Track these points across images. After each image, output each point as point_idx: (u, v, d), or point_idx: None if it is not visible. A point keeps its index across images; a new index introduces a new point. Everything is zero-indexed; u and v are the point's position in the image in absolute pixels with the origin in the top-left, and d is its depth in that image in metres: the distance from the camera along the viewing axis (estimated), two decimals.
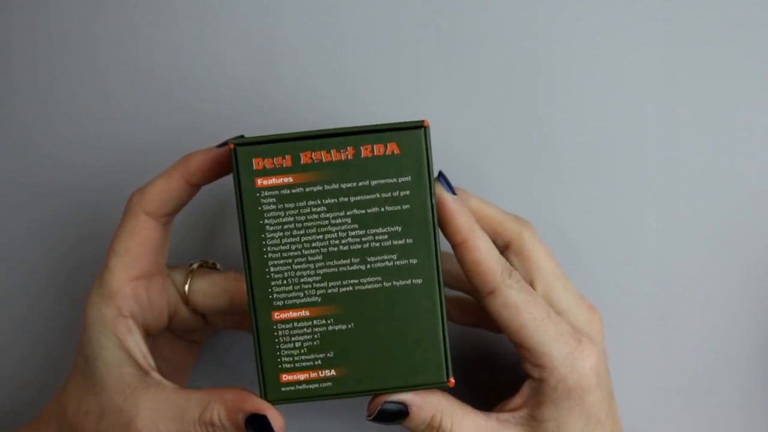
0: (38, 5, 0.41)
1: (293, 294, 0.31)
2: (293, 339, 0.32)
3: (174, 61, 0.41)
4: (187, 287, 0.36)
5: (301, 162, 0.31)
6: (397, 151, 0.31)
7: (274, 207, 0.31)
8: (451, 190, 0.32)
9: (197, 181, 0.33)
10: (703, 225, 0.41)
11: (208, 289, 0.36)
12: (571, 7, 0.41)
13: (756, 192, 0.41)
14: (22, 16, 0.42)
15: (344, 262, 0.31)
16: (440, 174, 0.33)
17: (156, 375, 0.33)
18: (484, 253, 0.32)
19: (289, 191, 0.31)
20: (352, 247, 0.31)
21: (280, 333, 0.31)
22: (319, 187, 0.31)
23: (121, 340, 0.33)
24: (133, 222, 0.34)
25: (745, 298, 0.41)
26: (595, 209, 0.41)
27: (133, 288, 0.34)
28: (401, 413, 0.32)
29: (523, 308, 0.32)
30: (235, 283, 0.36)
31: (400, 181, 0.31)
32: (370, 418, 0.32)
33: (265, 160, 0.31)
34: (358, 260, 0.31)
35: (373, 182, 0.31)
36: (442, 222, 0.32)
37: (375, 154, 0.31)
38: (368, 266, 0.31)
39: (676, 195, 0.41)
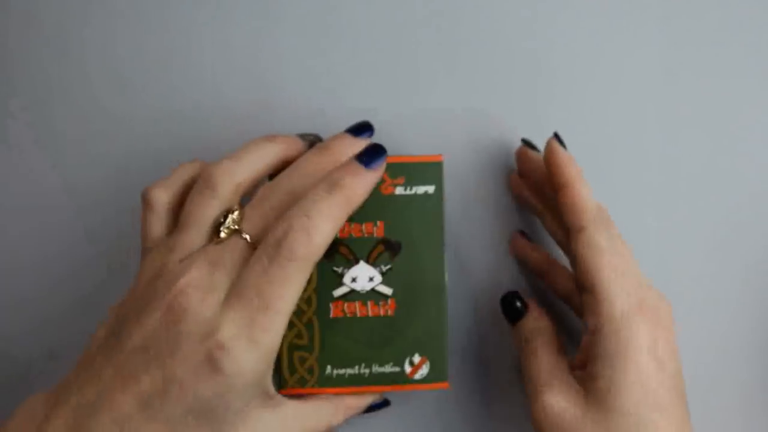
0: (27, 19, 0.41)
1: None
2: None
3: (169, 65, 0.41)
4: None
5: None
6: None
7: None
8: (563, 145, 0.35)
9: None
10: (703, 225, 0.41)
11: None
12: (570, 7, 0.41)
13: (756, 192, 0.41)
14: (16, 23, 0.42)
15: None
16: (556, 134, 0.36)
17: (278, 396, 0.32)
18: (584, 195, 0.34)
19: None
20: None
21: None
22: None
23: (264, 384, 0.31)
24: (302, 277, 0.30)
25: (745, 298, 0.41)
26: None
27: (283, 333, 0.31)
28: (520, 311, 0.37)
29: (605, 252, 0.33)
30: None
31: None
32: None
33: None
34: None
35: None
36: (551, 168, 0.35)
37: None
38: None
39: (676, 195, 0.41)
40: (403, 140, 0.41)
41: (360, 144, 0.34)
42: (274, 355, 0.30)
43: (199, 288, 0.29)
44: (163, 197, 0.33)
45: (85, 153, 0.41)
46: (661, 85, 0.41)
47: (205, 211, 0.32)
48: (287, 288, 0.29)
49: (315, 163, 0.33)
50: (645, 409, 0.31)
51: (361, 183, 0.31)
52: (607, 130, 0.41)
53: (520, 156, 0.39)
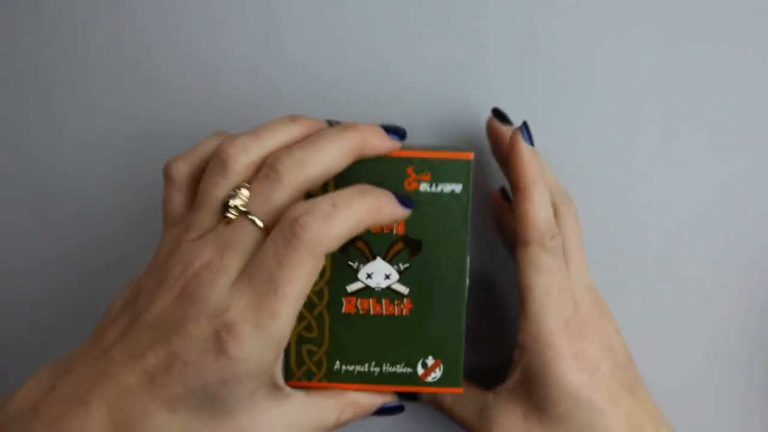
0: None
1: None
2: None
3: (176, 54, 0.40)
4: None
5: None
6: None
7: None
8: (530, 140, 0.34)
9: None
10: (703, 225, 0.41)
11: None
12: (570, 7, 0.40)
13: (756, 192, 0.42)
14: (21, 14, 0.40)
15: None
16: (524, 123, 0.34)
17: (287, 389, 0.32)
18: (535, 208, 0.33)
19: None
20: None
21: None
22: None
23: (270, 375, 0.30)
24: (314, 264, 0.29)
25: (745, 298, 0.42)
26: (595, 209, 0.41)
27: (295, 320, 0.30)
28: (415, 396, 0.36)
29: (542, 273, 0.33)
30: None
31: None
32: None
33: None
34: None
35: None
36: (511, 165, 0.33)
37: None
38: None
39: (676, 195, 0.41)
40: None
41: (388, 143, 0.32)
42: (281, 346, 0.29)
43: (210, 270, 0.29)
44: (182, 169, 0.32)
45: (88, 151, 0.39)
46: (661, 84, 0.41)
47: (214, 190, 0.31)
48: (298, 273, 0.28)
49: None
50: (581, 414, 0.33)
51: (389, 202, 0.31)
52: (607, 130, 0.41)
53: (489, 129, 0.38)
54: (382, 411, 0.35)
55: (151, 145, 0.41)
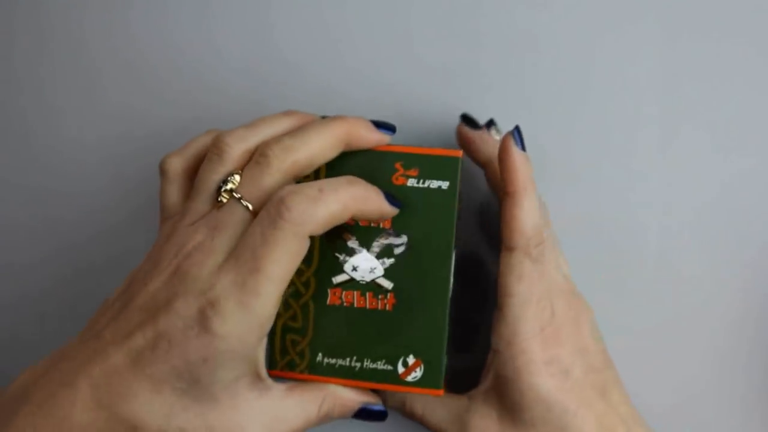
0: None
1: None
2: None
3: (171, 53, 0.40)
4: None
5: None
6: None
7: None
8: (522, 145, 0.33)
9: None
10: (703, 225, 0.41)
11: None
12: (570, 7, 0.41)
13: (756, 192, 0.41)
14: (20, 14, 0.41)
15: None
16: (516, 128, 0.34)
17: (269, 380, 0.32)
18: (524, 213, 0.33)
19: None
20: None
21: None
22: None
23: (253, 361, 0.31)
24: (297, 244, 0.30)
25: (745, 298, 0.41)
26: (595, 209, 0.41)
27: (276, 308, 0.30)
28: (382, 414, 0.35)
29: (525, 281, 0.33)
30: None
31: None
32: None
33: None
34: None
35: None
36: (502, 170, 0.33)
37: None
38: None
39: (676, 195, 0.41)
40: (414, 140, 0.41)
41: (374, 134, 0.33)
42: (263, 329, 0.30)
43: (201, 251, 0.30)
44: (177, 164, 0.34)
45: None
46: (661, 84, 0.41)
47: (210, 176, 0.32)
48: (281, 252, 0.29)
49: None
50: (553, 416, 0.33)
51: (382, 204, 0.32)
52: (607, 130, 0.41)
53: (460, 137, 0.38)
54: (364, 413, 0.35)
55: (148, 144, 0.42)
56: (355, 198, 0.31)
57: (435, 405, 0.35)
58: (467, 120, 0.37)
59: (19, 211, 0.42)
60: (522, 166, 0.33)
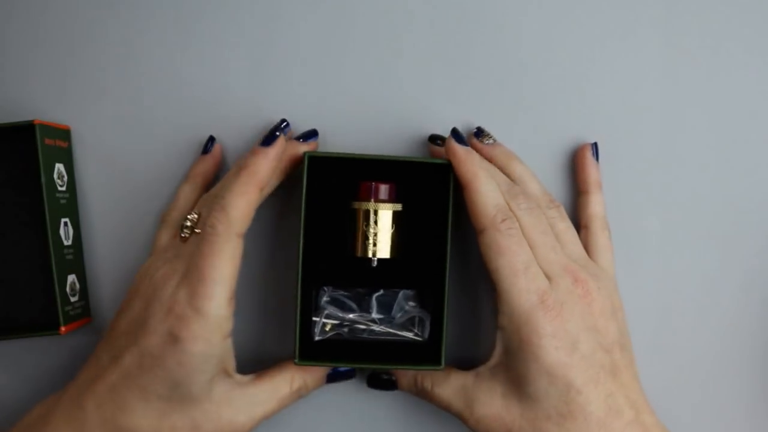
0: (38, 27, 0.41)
1: None
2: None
3: (173, 63, 0.41)
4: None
5: None
6: None
7: None
8: (461, 141, 0.37)
9: (267, 184, 0.36)
10: (704, 225, 0.41)
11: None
12: (570, 8, 0.41)
13: (757, 192, 0.41)
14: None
15: None
16: (453, 129, 0.37)
17: (237, 375, 0.37)
18: (482, 197, 0.36)
19: None
20: None
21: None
22: None
23: (222, 359, 0.35)
24: (230, 247, 0.34)
25: (745, 298, 0.42)
26: None
27: (231, 306, 0.35)
28: (391, 383, 0.39)
29: (504, 253, 0.35)
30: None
31: None
32: (370, 385, 0.40)
33: None
34: None
35: None
36: (454, 171, 0.36)
37: None
38: None
39: (677, 195, 0.41)
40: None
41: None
42: (223, 327, 0.34)
43: (164, 276, 0.35)
44: (175, 216, 0.40)
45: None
46: (662, 85, 0.41)
47: (184, 222, 0.37)
48: (216, 258, 0.34)
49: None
50: (555, 391, 0.34)
51: (262, 158, 0.36)
52: (607, 130, 0.41)
53: (431, 155, 0.40)
54: (334, 375, 0.39)
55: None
56: (246, 182, 0.35)
57: (443, 381, 0.37)
58: (432, 138, 0.40)
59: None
60: (466, 158, 0.36)
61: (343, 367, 0.39)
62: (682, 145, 0.41)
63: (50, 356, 0.41)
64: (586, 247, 0.39)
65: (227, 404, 0.36)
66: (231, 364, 0.36)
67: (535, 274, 0.35)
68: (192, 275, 0.34)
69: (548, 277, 0.35)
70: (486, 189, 0.36)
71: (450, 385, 0.37)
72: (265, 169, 0.35)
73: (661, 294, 0.41)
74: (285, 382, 0.37)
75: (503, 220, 0.35)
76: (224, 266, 0.34)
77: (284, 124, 0.38)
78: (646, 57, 0.41)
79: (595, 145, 0.40)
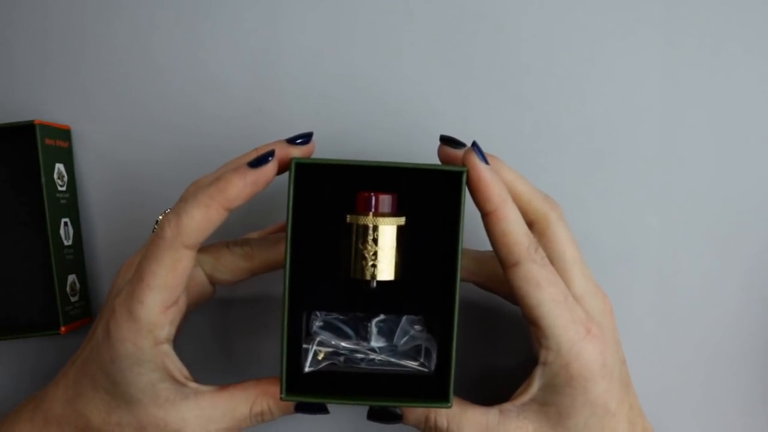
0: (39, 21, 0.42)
1: None
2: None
3: (174, 65, 0.41)
4: (214, 269, 0.36)
5: None
6: None
7: None
8: (484, 159, 0.32)
9: (236, 207, 0.32)
10: (704, 225, 0.41)
11: (234, 266, 0.36)
12: (570, 8, 0.41)
13: (757, 192, 0.41)
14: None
15: None
16: (474, 143, 0.32)
17: (193, 384, 0.35)
18: (512, 225, 0.32)
19: None
20: None
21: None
22: None
23: (158, 365, 0.33)
24: (171, 256, 0.32)
25: (745, 298, 0.41)
26: (596, 210, 0.41)
27: (168, 315, 0.33)
28: (395, 416, 0.35)
29: (543, 286, 0.32)
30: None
31: None
32: (370, 418, 0.35)
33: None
34: None
35: None
36: (474, 190, 0.32)
37: None
38: None
39: (677, 195, 0.41)
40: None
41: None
42: (154, 334, 0.33)
43: (127, 266, 0.36)
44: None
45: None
46: (662, 85, 0.41)
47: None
48: (157, 264, 0.32)
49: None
50: (595, 420, 0.33)
51: (238, 180, 0.32)
52: (607, 130, 0.41)
53: (442, 158, 0.35)
54: (303, 406, 0.34)
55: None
56: (212, 195, 0.32)
57: (462, 419, 0.34)
58: (447, 141, 0.35)
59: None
60: (492, 181, 0.32)
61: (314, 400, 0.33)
62: (682, 145, 0.41)
63: (50, 356, 0.41)
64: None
65: (175, 412, 0.34)
66: (179, 371, 0.34)
67: (573, 303, 0.33)
68: (135, 275, 0.33)
69: (582, 302, 0.34)
70: (516, 216, 0.32)
71: (469, 424, 0.33)
72: (236, 193, 0.32)
73: (661, 294, 0.41)
74: (245, 402, 0.34)
75: (536, 249, 0.32)
76: (162, 274, 0.32)
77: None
78: (646, 57, 0.41)
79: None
